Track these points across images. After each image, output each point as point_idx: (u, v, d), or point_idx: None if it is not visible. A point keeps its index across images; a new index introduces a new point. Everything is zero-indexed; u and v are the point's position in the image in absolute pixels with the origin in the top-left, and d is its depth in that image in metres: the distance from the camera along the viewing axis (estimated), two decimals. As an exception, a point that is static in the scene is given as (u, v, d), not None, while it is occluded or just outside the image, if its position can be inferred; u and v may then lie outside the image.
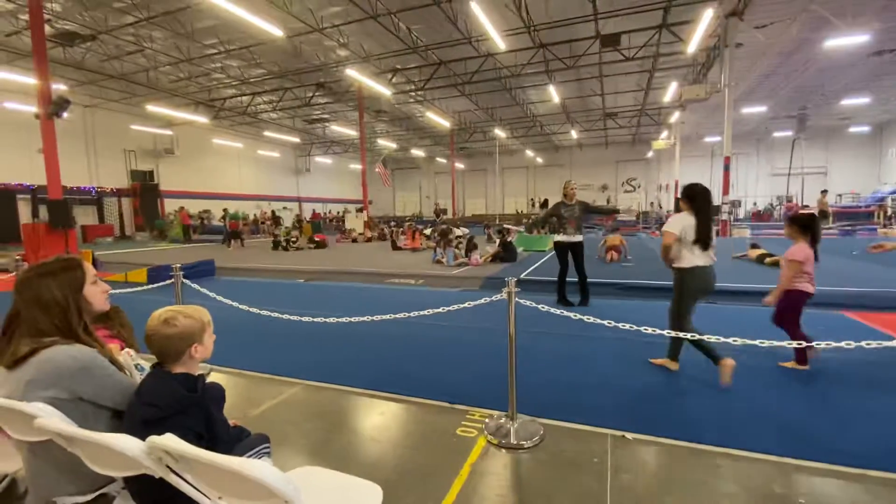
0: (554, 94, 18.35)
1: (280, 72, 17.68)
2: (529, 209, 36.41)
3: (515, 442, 2.51)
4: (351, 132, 26.09)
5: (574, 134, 29.03)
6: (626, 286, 6.91)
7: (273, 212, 25.74)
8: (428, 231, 14.72)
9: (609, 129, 29.58)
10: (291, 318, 3.32)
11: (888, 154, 27.52)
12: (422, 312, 2.92)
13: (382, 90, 15.91)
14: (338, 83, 18.93)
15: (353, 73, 14.09)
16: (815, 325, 4.64)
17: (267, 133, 26.96)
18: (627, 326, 2.57)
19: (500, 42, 11.94)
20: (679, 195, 3.53)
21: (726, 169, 15.62)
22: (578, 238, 5.80)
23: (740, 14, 12.73)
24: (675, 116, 22.75)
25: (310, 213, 32.81)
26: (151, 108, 18.58)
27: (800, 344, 2.69)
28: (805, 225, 3.51)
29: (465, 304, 2.85)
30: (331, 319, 3.32)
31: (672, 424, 2.67)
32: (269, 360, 3.94)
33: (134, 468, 1.15)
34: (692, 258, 3.28)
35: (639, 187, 35.91)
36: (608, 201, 33.89)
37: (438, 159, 37.98)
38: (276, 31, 11.36)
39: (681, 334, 2.85)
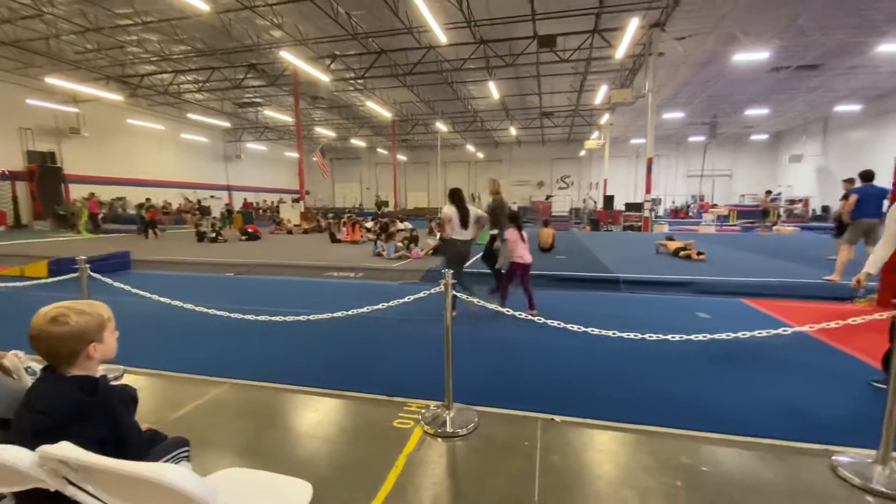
0: (494, 90, 18.68)
1: (207, 50, 16.41)
2: (472, 203, 36.83)
3: (451, 430, 2.56)
4: (286, 118, 24.91)
5: (513, 131, 29.80)
6: (558, 277, 7.25)
7: (199, 201, 23.94)
8: (369, 224, 14.46)
9: (545, 128, 30.71)
10: (219, 313, 3.13)
11: (783, 160, 31.08)
12: (361, 310, 2.87)
13: (320, 76, 15.30)
14: (271, 66, 17.95)
15: (287, 55, 13.40)
16: (716, 310, 5.19)
17: (192, 115, 24.96)
18: (555, 324, 2.69)
19: (441, 35, 11.93)
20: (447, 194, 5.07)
21: (649, 169, 16.83)
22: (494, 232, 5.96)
23: (663, 25, 13.71)
24: (605, 118, 24.08)
25: (240, 202, 30.95)
26: (52, 80, 16.46)
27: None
28: (513, 216, 5.24)
29: (406, 299, 2.84)
30: (262, 316, 3.16)
31: (596, 406, 2.85)
32: (193, 359, 3.69)
33: (25, 482, 1.03)
34: (457, 233, 4.85)
35: (572, 184, 37.74)
36: (547, 198, 35.33)
37: (380, 150, 37.36)
38: (202, 6, 10.51)
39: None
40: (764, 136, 32.51)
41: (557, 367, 3.52)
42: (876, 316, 2.24)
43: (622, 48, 12.55)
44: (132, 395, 1.32)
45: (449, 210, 4.82)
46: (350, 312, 2.85)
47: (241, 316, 3.09)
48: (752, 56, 14.46)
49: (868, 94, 22.11)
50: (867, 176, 6.61)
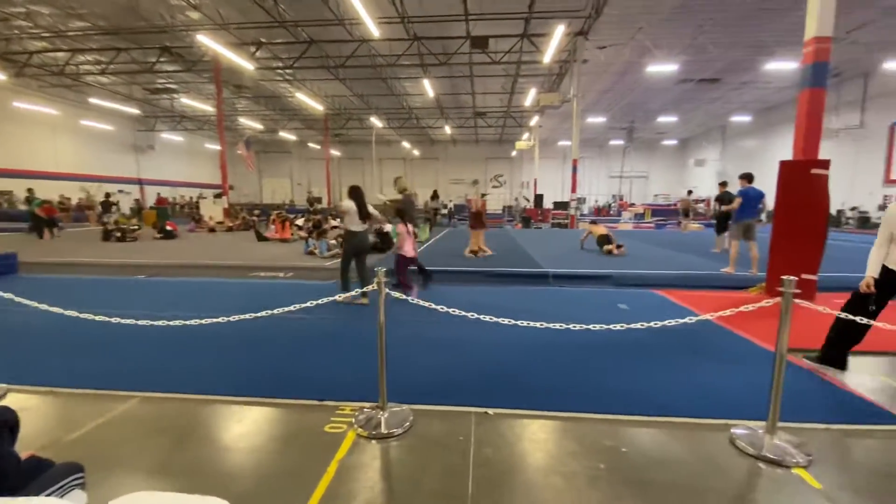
0: (428, 88, 18.70)
1: (110, 28, 14.74)
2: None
3: (386, 431, 2.51)
4: (206, 107, 23.09)
5: (448, 129, 30.06)
6: (490, 273, 7.43)
7: (108, 195, 21.39)
8: (300, 221, 13.85)
9: (479, 127, 31.34)
10: (124, 321, 2.82)
11: (689, 164, 34.33)
12: (287, 309, 2.73)
13: (243, 64, 14.35)
14: (188, 50, 16.55)
15: (205, 39, 12.40)
16: (635, 302, 5.60)
17: (94, 100, 22.32)
18: (488, 318, 2.74)
19: (373, 28, 11.69)
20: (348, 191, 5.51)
21: (574, 170, 17.80)
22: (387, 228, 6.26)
23: (586, 34, 14.52)
24: (534, 120, 25.05)
25: (154, 197, 28.27)
26: None
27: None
28: (400, 213, 5.81)
29: (336, 297, 2.74)
30: (176, 321, 2.89)
31: (527, 397, 2.95)
32: (95, 373, 3.30)
33: None
34: (356, 225, 5.31)
35: (505, 183, 38.91)
36: (483, 196, 36.07)
37: (311, 144, 35.91)
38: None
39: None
40: (674, 142, 35.72)
41: (491, 361, 3.59)
42: (763, 303, 2.52)
43: (549, 53, 13.11)
44: (8, 419, 1.14)
45: (348, 204, 5.29)
46: (275, 312, 2.69)
47: (150, 323, 2.80)
48: (662, 68, 15.77)
49: (758, 107, 25.07)
50: (748, 178, 7.48)
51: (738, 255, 7.40)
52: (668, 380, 3.25)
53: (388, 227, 9.94)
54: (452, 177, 38.72)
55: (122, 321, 2.81)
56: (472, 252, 9.19)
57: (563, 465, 2.25)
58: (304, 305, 2.77)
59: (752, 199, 7.29)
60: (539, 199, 25.86)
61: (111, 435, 2.53)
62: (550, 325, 2.69)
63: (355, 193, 5.41)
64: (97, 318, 2.84)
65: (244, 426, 2.63)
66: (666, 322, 2.60)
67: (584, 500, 2.00)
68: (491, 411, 2.76)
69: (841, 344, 3.43)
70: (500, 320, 2.70)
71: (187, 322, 2.77)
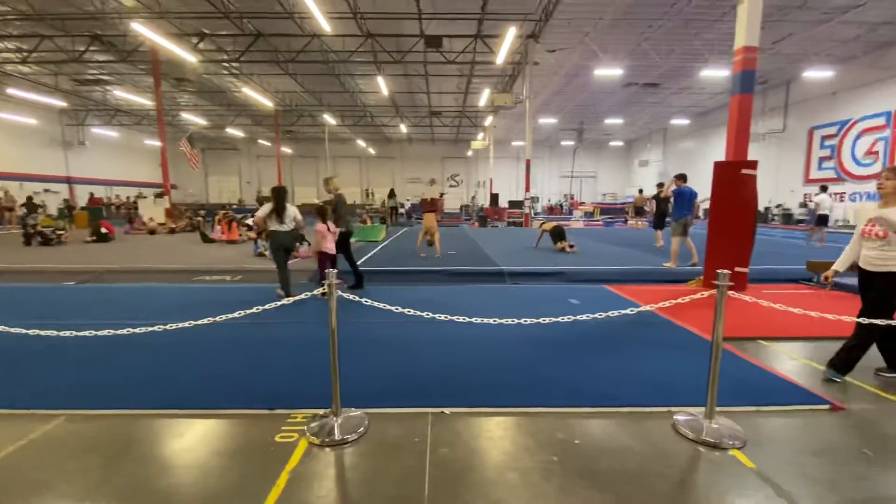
0: (383, 86, 18.47)
1: (32, 13, 13.44)
2: (365, 200, 36.22)
3: (340, 437, 2.44)
4: (144, 101, 21.61)
5: (404, 128, 29.86)
6: (448, 272, 7.44)
7: (29, 197, 19.45)
8: (249, 221, 13.25)
9: (435, 127, 31.34)
10: (44, 333, 2.56)
11: (634, 164, 36.06)
12: (232, 315, 2.58)
13: (184, 56, 13.53)
14: (122, 39, 15.39)
15: (141, 28, 11.56)
16: (585, 296, 5.79)
17: (12, 91, 20.28)
18: (442, 317, 2.72)
19: (324, 23, 11.37)
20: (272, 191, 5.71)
21: (527, 170, 18.21)
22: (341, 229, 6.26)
23: (537, 37, 14.87)
24: (489, 120, 25.38)
25: (86, 197, 26.12)
26: None
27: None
28: (321, 212, 5.77)
29: (284, 301, 2.62)
30: (105, 331, 2.66)
31: (483, 394, 2.96)
32: (11, 392, 2.98)
33: None
34: (275, 226, 5.54)
35: (461, 182, 39.19)
36: (442, 195, 36.22)
37: (261, 142, 34.48)
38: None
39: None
40: (620, 143, 37.37)
41: (447, 360, 3.58)
42: (699, 295, 2.67)
43: (502, 54, 13.31)
44: None
45: (265, 208, 5.57)
46: (217, 319, 2.54)
47: (74, 333, 2.56)
48: (609, 72, 16.43)
49: (695, 111, 26.71)
50: (682, 178, 7.97)
51: (679, 250, 7.84)
52: (615, 371, 3.38)
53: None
54: (409, 175, 38.55)
55: (42, 333, 2.55)
56: (427, 240, 9.04)
57: (518, 460, 2.28)
58: (249, 312, 2.64)
59: (686, 198, 7.75)
60: (495, 198, 26.23)
61: (31, 460, 2.29)
62: (504, 321, 2.71)
63: (276, 194, 5.64)
64: (12, 330, 2.56)
65: (186, 441, 2.46)
66: (609, 313, 2.69)
67: (538, 493, 2.03)
68: (447, 411, 2.75)
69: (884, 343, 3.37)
70: (455, 318, 2.68)
71: (118, 331, 2.56)
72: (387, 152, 38.05)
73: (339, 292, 2.46)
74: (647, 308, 2.88)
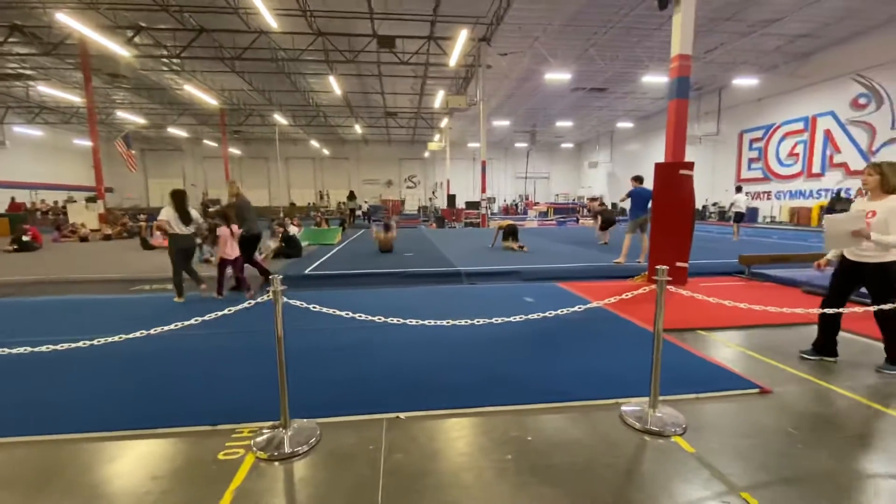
0: (335, 85, 18.09)
1: (-67, -3, 12.08)
2: (319, 202, 35.34)
3: (289, 450, 2.34)
4: (73, 98, 19.98)
5: (358, 129, 29.41)
6: (405, 274, 7.38)
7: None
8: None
9: (391, 128, 31.12)
10: (-54, 354, 2.27)
11: (584, 166, 37.45)
12: (170, 327, 2.41)
13: (117, 50, 12.63)
14: (46, 30, 14.15)
15: (67, 19, 10.67)
16: (539, 294, 5.92)
17: (-87, 84, 18.15)
18: (394, 320, 2.68)
19: (270, 20, 10.98)
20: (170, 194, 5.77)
21: (483, 171, 18.44)
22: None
23: (488, 41, 15.10)
24: (444, 122, 25.51)
25: (6, 202, 23.76)
26: None
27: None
28: (225, 216, 5.92)
29: (226, 311, 2.48)
30: (21, 349, 2.41)
31: (439, 396, 2.94)
32: None
33: None
34: (178, 229, 5.64)
35: (419, 184, 39.12)
36: (402, 197, 36.01)
37: (207, 142, 32.83)
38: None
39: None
40: (570, 145, 38.69)
41: (402, 364, 3.53)
42: (641, 290, 2.79)
43: (454, 56, 13.41)
44: None
45: (168, 211, 5.63)
46: (152, 332, 2.37)
47: (-15, 354, 2.29)
48: (558, 76, 16.96)
49: (638, 115, 28.10)
50: (638, 180, 8.34)
51: (630, 247, 8.19)
52: (568, 367, 3.46)
53: (293, 231, 9.44)
54: (366, 177, 38.03)
55: (-56, 356, 2.27)
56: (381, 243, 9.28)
57: (473, 460, 2.27)
58: (187, 323, 2.47)
59: (642, 198, 8.10)
60: (452, 199, 26.38)
61: (-70, 498, 2.03)
62: (457, 323, 2.70)
63: (176, 198, 5.68)
64: None
65: (119, 466, 2.27)
66: (559, 311, 2.75)
67: (491, 493, 2.03)
68: (402, 415, 2.71)
69: (824, 330, 3.58)
70: (407, 322, 2.65)
71: (37, 349, 2.32)
72: (341, 153, 37.36)
73: (251, 301, 2.36)
74: (596, 304, 2.97)
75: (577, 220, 22.92)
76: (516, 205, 35.83)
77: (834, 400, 2.94)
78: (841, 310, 3.18)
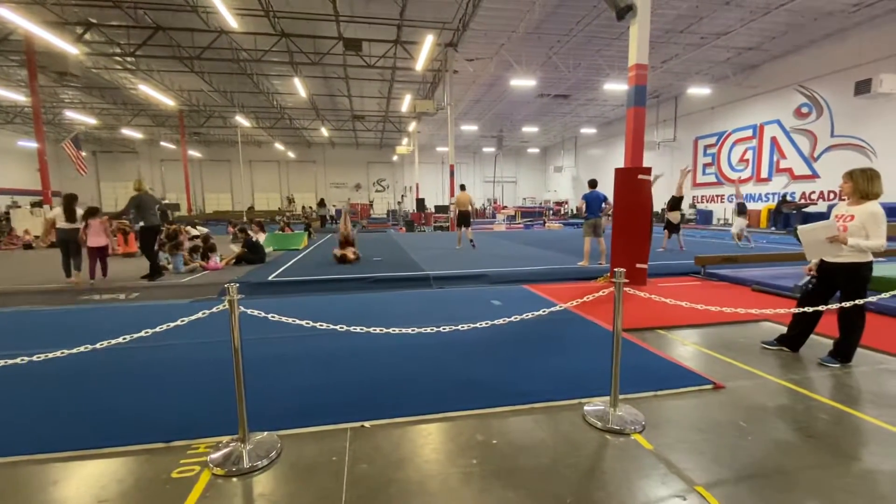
0: (300, 87, 17.75)
1: None
2: (286, 207, 34.52)
3: (248, 465, 2.25)
4: (17, 96, 18.69)
5: (325, 131, 28.95)
6: (374, 279, 7.30)
7: None
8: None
9: (358, 131, 30.81)
10: None
11: (550, 170, 38.27)
12: (117, 340, 2.27)
13: (65, 47, 11.93)
14: (-17, 24, 13.21)
15: (8, 14, 9.98)
16: (506, 297, 5.98)
17: None
18: (358, 329, 2.63)
19: (230, 19, 10.65)
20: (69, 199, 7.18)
21: (451, 175, 18.52)
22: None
23: (455, 46, 15.21)
24: (412, 126, 25.50)
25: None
26: None
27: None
28: (93, 212, 7.37)
29: (179, 322, 2.37)
30: (-50, 367, 2.22)
31: (405, 403, 2.91)
32: None
33: None
34: (62, 224, 7.06)
35: (388, 188, 38.88)
36: (371, 202, 35.62)
37: (165, 144, 31.46)
38: None
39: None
40: (536, 150, 39.45)
41: (367, 371, 3.48)
42: (602, 292, 2.86)
43: (421, 61, 13.43)
44: None
45: (57, 210, 7.16)
46: (99, 346, 2.23)
47: None
48: (523, 82, 17.27)
49: (601, 121, 28.99)
50: (592, 184, 8.61)
51: (591, 249, 8.42)
52: (532, 369, 3.51)
53: (255, 237, 9.24)
54: (333, 180, 37.49)
55: None
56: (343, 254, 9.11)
57: (439, 467, 2.26)
58: (138, 335, 2.35)
59: (595, 199, 8.35)
60: (421, 202, 26.35)
61: None
62: (423, 331, 2.69)
63: (66, 200, 7.15)
64: None
65: (62, 490, 2.12)
66: (525, 315, 2.78)
67: (456, 499, 2.02)
68: (367, 424, 2.66)
69: (797, 328, 3.81)
70: (371, 330, 2.61)
71: (-34, 369, 2.14)
72: (307, 156, 36.67)
73: (268, 315, 2.27)
74: (560, 307, 3.02)
75: (544, 224, 23.38)
76: (485, 208, 36.17)
77: (780, 393, 3.10)
78: (822, 307, 3.37)
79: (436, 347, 3.95)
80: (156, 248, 7.68)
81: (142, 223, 7.47)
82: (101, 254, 7.25)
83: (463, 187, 12.08)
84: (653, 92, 22.15)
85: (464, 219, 11.54)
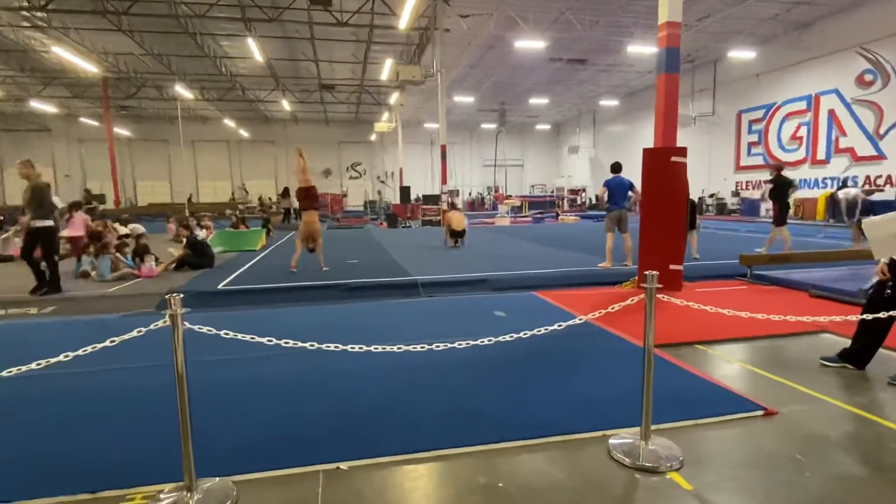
0: (255, 50, 17.66)
1: None
2: (242, 196, 34.34)
3: (196, 519, 2.24)
4: None
5: (286, 104, 28.84)
6: (349, 286, 7.30)
7: None
8: (66, 231, 11.83)
9: (328, 104, 30.72)
10: None
11: (563, 151, 38.51)
12: (28, 366, 2.25)
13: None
14: None
15: None
16: (512, 306, 6.01)
17: None
18: (332, 347, 2.63)
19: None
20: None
21: (443, 157, 18.56)
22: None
23: (447, -1, 15.25)
24: (394, 97, 25.49)
25: None
26: None
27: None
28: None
29: (107, 342, 2.34)
30: None
31: (390, 438, 2.91)
32: None
33: None
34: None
35: (364, 173, 38.80)
36: (343, 190, 35.54)
37: (85, 120, 31.09)
38: None
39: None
40: (547, 126, 39.66)
41: (342, 400, 3.47)
42: (629, 301, 2.88)
43: (405, 17, 13.43)
44: None
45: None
46: (4, 374, 2.19)
47: None
48: (530, 44, 17.36)
49: (624, 91, 29.24)
50: (616, 168, 8.68)
51: (614, 247, 8.48)
52: (543, 394, 3.53)
53: (200, 234, 9.20)
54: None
55: None
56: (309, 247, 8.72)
57: (433, 517, 2.27)
58: (55, 360, 2.31)
59: (617, 188, 8.42)
60: (405, 191, 26.37)
61: None
62: (412, 348, 2.69)
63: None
64: None
65: (-41, 553, 2.09)
66: (536, 331, 2.80)
67: (456, 556, 2.03)
68: (344, 465, 2.66)
69: (861, 340, 3.80)
70: (347, 348, 2.61)
71: None
72: (265, 135, 36.51)
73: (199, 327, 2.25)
74: (580, 320, 3.04)
75: (557, 216, 23.49)
76: (483, 198, 36.21)
77: (844, 420, 3.15)
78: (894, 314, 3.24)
79: (427, 369, 3.95)
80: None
81: (47, 222, 7.05)
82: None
83: (455, 206, 12.43)
84: (687, 56, 22.37)
85: (455, 234, 11.93)
